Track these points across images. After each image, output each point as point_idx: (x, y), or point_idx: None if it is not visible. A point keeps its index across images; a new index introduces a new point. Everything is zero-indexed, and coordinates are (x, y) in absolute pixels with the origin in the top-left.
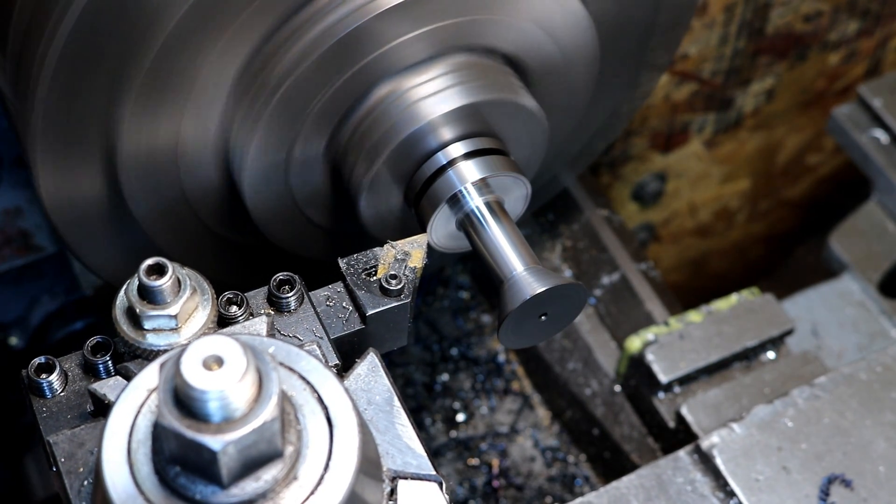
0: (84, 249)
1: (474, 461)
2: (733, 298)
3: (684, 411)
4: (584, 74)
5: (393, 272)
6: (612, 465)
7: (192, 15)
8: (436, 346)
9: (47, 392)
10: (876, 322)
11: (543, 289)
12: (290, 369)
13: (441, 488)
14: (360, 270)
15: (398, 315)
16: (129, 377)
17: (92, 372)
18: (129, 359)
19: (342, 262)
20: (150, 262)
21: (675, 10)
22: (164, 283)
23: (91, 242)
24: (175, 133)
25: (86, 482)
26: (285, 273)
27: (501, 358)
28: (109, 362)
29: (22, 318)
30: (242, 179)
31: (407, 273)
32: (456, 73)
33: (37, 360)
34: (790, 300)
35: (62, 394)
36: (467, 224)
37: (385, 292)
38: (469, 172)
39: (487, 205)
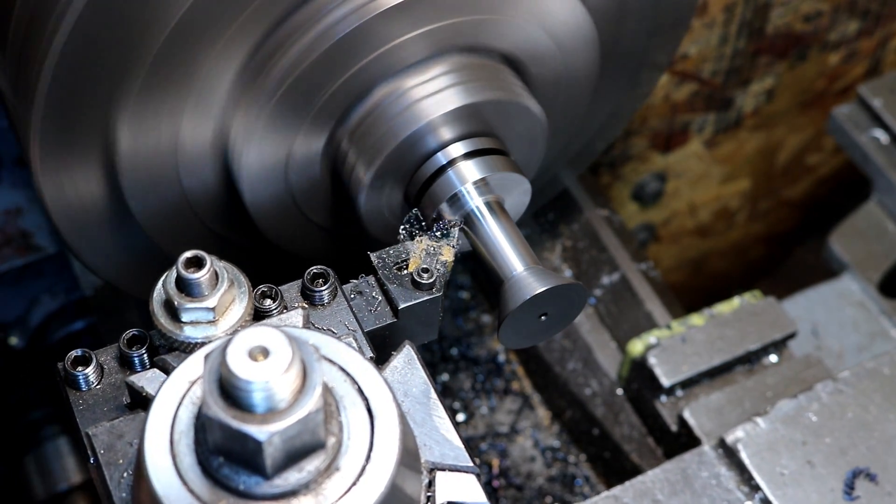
0: (84, 249)
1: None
2: (735, 301)
3: (687, 415)
4: (584, 74)
5: (425, 266)
6: (612, 465)
7: (191, 15)
8: (436, 346)
9: (83, 385)
10: (876, 322)
11: (543, 289)
12: (330, 361)
13: (478, 480)
14: (391, 264)
15: (430, 308)
16: (166, 370)
17: (127, 365)
18: (164, 351)
19: (373, 256)
20: (188, 254)
21: (675, 10)
22: (203, 275)
23: (91, 242)
24: (175, 133)
25: (125, 473)
26: (319, 266)
27: (501, 358)
28: (145, 355)
29: (22, 318)
30: (242, 179)
31: (438, 267)
32: (456, 73)
33: (73, 353)
34: (790, 300)
35: (98, 386)
36: (467, 224)
37: (417, 286)
38: (469, 172)
39: (487, 205)
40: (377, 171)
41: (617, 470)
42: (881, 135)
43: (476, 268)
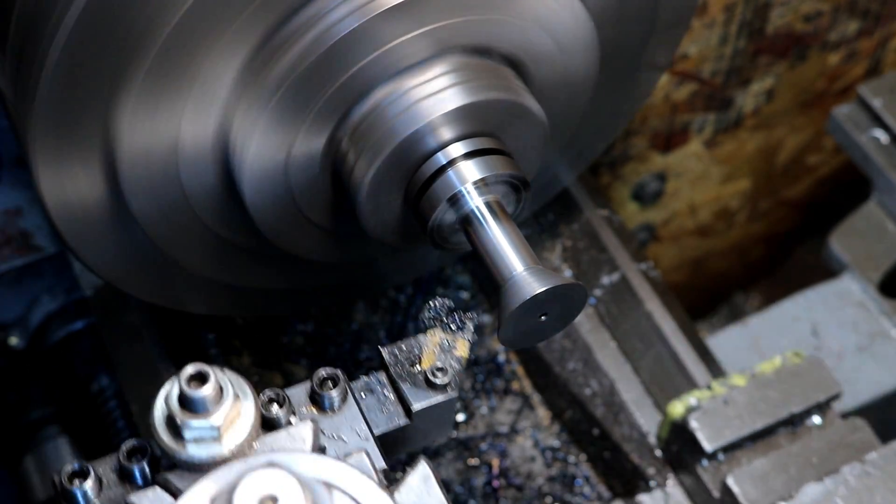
0: (84, 249)
1: (474, 461)
2: (777, 361)
3: (731, 482)
4: (584, 74)
5: (440, 364)
6: (612, 465)
7: (192, 15)
8: None
9: (81, 501)
10: (876, 322)
11: (543, 289)
12: (342, 491)
13: None
14: (403, 360)
15: (445, 409)
16: (168, 489)
17: (127, 478)
18: (166, 465)
19: (385, 352)
20: (191, 369)
21: (675, 10)
22: (207, 392)
23: (91, 242)
24: (175, 133)
25: None
26: (329, 369)
27: (501, 358)
28: (146, 467)
29: (22, 318)
30: (242, 179)
31: (453, 363)
32: (456, 73)
33: (69, 467)
34: (790, 300)
35: (96, 501)
36: (467, 224)
37: (431, 385)
38: (469, 172)
39: (487, 205)
40: (377, 170)
41: (617, 470)
42: (881, 135)
43: (476, 268)
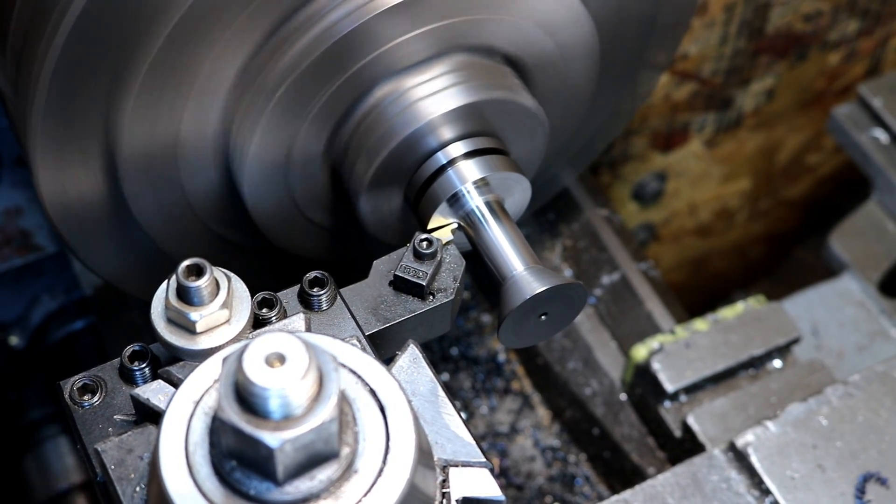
0: (84, 249)
1: None
2: (739, 307)
3: (691, 421)
4: (584, 74)
5: (424, 236)
6: (612, 464)
7: (192, 14)
8: (436, 346)
9: (140, 381)
10: (876, 322)
11: (543, 288)
12: (342, 364)
13: (492, 474)
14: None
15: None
16: (171, 381)
17: (130, 380)
18: (165, 361)
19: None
20: (188, 262)
21: (675, 10)
22: (203, 283)
23: (91, 242)
24: (175, 132)
25: (138, 488)
26: (318, 271)
27: (501, 357)
28: (147, 370)
29: (22, 317)
30: (242, 179)
31: (450, 274)
32: (456, 72)
33: (80, 379)
34: (790, 300)
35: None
36: (467, 224)
37: (419, 256)
38: (469, 172)
39: (487, 204)
40: (377, 170)
41: (617, 470)
42: (881, 134)
43: (476, 267)
